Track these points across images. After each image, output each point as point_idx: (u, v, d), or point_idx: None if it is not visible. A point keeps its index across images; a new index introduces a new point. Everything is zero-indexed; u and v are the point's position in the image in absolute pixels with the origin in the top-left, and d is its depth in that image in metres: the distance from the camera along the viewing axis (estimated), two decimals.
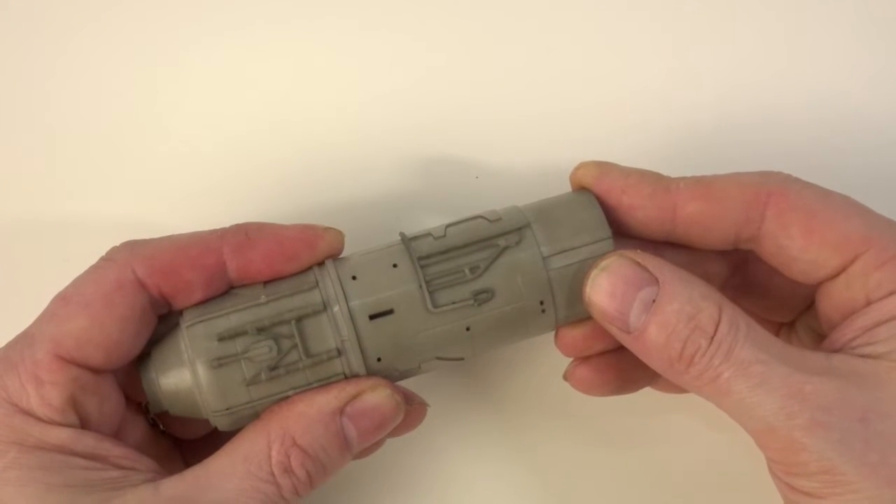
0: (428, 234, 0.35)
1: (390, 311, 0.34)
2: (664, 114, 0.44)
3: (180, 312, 0.34)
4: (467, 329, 0.34)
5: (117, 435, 0.34)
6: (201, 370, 0.33)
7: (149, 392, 0.34)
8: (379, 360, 0.34)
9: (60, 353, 0.32)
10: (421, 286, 0.34)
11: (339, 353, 0.33)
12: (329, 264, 0.35)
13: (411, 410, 0.36)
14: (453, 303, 0.34)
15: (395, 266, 0.34)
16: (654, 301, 0.32)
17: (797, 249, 0.33)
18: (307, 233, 0.35)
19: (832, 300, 0.33)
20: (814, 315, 0.35)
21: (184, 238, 0.35)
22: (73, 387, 0.32)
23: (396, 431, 0.36)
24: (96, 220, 0.44)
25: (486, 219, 0.35)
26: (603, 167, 0.35)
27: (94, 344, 0.32)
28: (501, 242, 0.34)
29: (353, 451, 0.34)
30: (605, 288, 0.33)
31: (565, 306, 0.35)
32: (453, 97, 0.44)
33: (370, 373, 0.34)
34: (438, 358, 0.35)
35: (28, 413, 0.31)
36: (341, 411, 0.33)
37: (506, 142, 0.44)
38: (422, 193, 0.43)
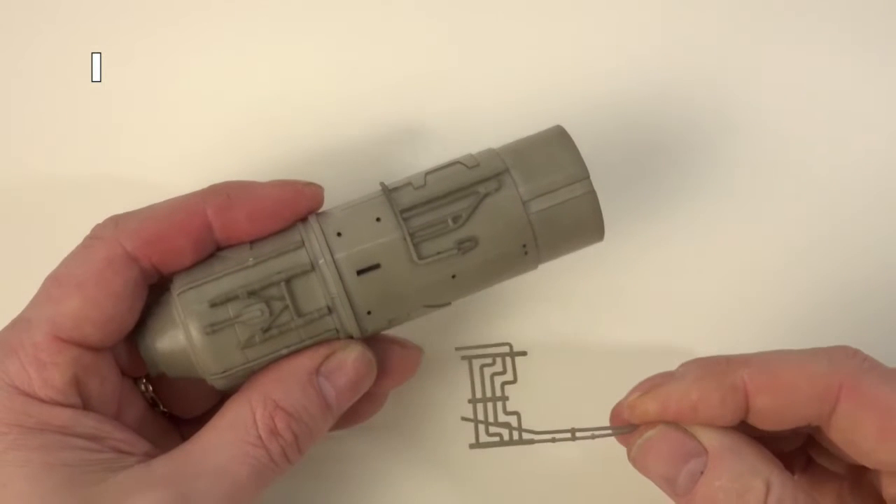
0: (408, 184, 0.35)
1: (377, 266, 0.34)
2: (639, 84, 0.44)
3: (170, 280, 0.35)
4: (453, 277, 0.35)
5: (117, 414, 0.34)
6: (196, 336, 0.33)
7: (146, 358, 0.35)
8: (369, 312, 0.35)
9: (59, 333, 0.32)
10: (405, 239, 0.34)
11: (330, 310, 0.34)
12: (313, 221, 0.35)
13: (406, 355, 0.37)
14: (438, 253, 0.34)
15: (378, 220, 0.34)
16: (701, 473, 0.31)
17: (868, 448, 0.31)
18: (288, 190, 0.35)
19: None
20: None
21: (166, 206, 0.35)
22: (75, 366, 0.32)
23: (397, 379, 0.37)
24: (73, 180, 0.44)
25: (464, 164, 0.35)
26: (660, 396, 0.33)
27: (91, 322, 0.33)
28: (481, 190, 0.35)
29: (333, 411, 0.35)
30: (649, 457, 0.32)
31: (548, 247, 0.36)
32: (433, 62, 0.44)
33: (361, 326, 0.35)
34: (426, 306, 0.35)
35: (30, 395, 0.32)
36: (317, 371, 0.34)
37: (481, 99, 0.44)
38: (400, 137, 0.43)
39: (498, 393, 0.34)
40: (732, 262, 0.43)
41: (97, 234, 0.34)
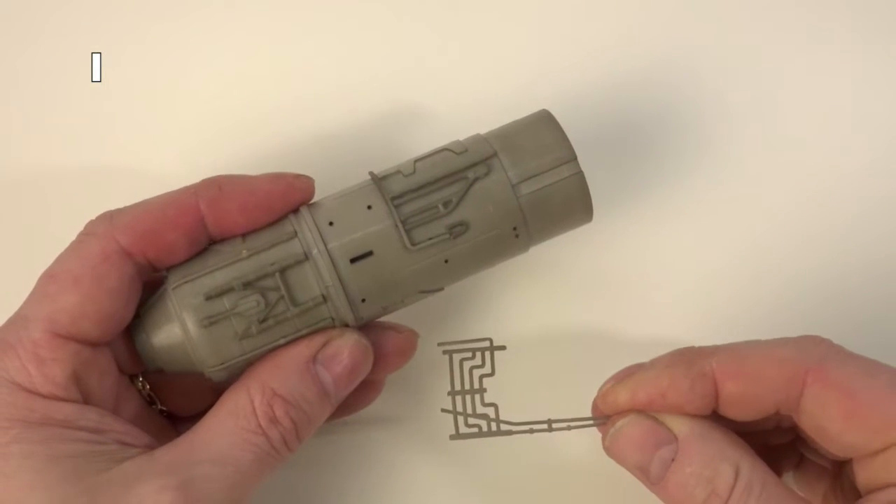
0: (398, 172, 0.36)
1: (370, 254, 0.35)
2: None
3: (165, 274, 0.35)
4: (446, 262, 0.35)
5: (115, 410, 0.35)
6: (193, 329, 0.34)
7: (143, 353, 0.35)
8: (363, 300, 0.35)
9: (57, 330, 0.33)
10: (397, 226, 0.34)
11: (325, 299, 0.34)
12: (304, 212, 0.35)
13: (401, 339, 0.38)
14: (430, 238, 0.35)
15: (369, 208, 0.35)
16: (672, 460, 0.32)
17: (835, 432, 0.32)
18: (280, 182, 0.35)
19: (868, 472, 0.32)
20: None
21: (158, 201, 0.35)
22: (75, 362, 0.33)
23: (393, 363, 0.38)
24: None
25: (452, 151, 0.36)
26: (629, 384, 0.34)
27: (88, 318, 0.33)
28: (471, 175, 0.35)
29: (332, 398, 0.35)
30: (621, 446, 0.33)
31: (538, 229, 0.36)
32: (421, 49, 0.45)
33: (356, 314, 0.35)
34: (420, 291, 0.36)
35: (31, 391, 0.32)
36: (314, 359, 0.34)
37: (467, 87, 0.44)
38: (387, 126, 0.44)
39: (476, 385, 0.34)
40: (717, 252, 0.43)
41: (91, 231, 0.34)
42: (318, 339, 0.35)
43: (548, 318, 0.43)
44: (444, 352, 0.35)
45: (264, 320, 0.34)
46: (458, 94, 0.44)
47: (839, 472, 0.36)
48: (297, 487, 0.41)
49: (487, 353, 0.35)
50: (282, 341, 0.35)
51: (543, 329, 0.43)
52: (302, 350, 0.35)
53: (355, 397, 0.37)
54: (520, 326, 0.42)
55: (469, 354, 0.35)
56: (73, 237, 0.35)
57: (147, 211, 0.35)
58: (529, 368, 0.41)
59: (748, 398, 0.33)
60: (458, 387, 0.35)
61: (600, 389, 0.35)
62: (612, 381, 0.34)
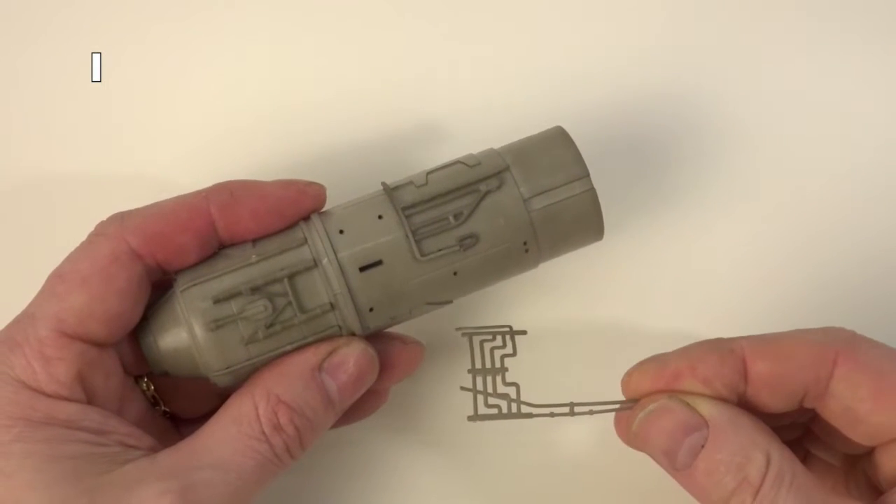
0: (410, 183, 0.36)
1: (379, 263, 0.34)
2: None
3: (174, 276, 0.35)
4: (455, 274, 0.35)
5: (119, 411, 0.34)
6: (199, 332, 0.34)
7: (149, 356, 0.35)
8: (371, 309, 0.35)
9: (64, 329, 0.32)
10: (407, 236, 0.34)
11: (333, 306, 0.34)
12: (315, 219, 0.35)
13: (408, 350, 0.38)
14: (440, 250, 0.35)
15: (380, 217, 0.35)
16: (702, 446, 0.31)
17: (865, 412, 0.32)
18: (291, 189, 0.35)
19: (893, 461, 0.32)
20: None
21: (170, 204, 0.35)
22: (80, 362, 0.32)
23: (398, 374, 0.37)
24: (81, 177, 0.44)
25: (465, 164, 0.36)
26: (658, 358, 0.34)
27: (96, 318, 0.33)
28: (483, 187, 0.35)
29: (336, 407, 0.35)
30: (651, 430, 0.33)
31: (548, 245, 0.36)
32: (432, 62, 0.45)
33: (363, 323, 0.35)
34: (428, 303, 0.36)
35: (36, 390, 0.32)
36: (319, 367, 0.34)
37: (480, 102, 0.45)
38: (400, 138, 0.44)
39: (497, 365, 0.34)
40: (734, 251, 0.44)
41: (101, 231, 0.34)
42: (325, 347, 0.35)
43: (562, 314, 0.43)
44: (463, 334, 0.34)
45: (271, 325, 0.34)
46: (473, 107, 0.44)
47: (851, 467, 0.36)
48: (296, 488, 0.41)
49: (508, 337, 0.34)
50: (288, 347, 0.34)
51: (558, 323, 0.43)
52: (308, 357, 0.34)
53: (359, 406, 0.37)
54: (538, 315, 0.42)
55: (489, 337, 0.34)
56: (72, 236, 0.35)
57: (158, 213, 0.34)
58: (550, 355, 0.40)
59: (778, 379, 0.32)
60: (478, 366, 0.34)
61: (626, 373, 0.34)
62: (637, 364, 0.34)
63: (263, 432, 0.33)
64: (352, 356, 0.35)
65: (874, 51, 0.45)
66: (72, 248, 0.34)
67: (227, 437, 0.33)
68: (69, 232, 0.35)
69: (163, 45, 0.45)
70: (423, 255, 0.34)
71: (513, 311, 0.43)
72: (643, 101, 0.45)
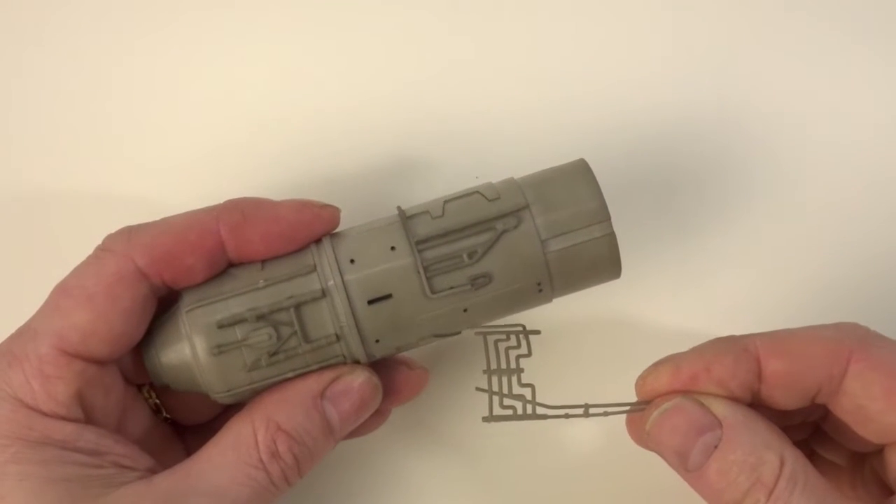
0: (426, 212, 0.35)
1: (388, 297, 0.34)
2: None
3: (180, 293, 0.35)
4: (464, 310, 0.34)
5: (120, 423, 0.34)
6: (202, 356, 0.33)
7: (150, 369, 0.35)
8: (377, 340, 0.34)
9: (65, 347, 0.32)
10: (419, 272, 0.34)
11: (339, 338, 0.34)
12: (326, 243, 0.34)
13: (412, 376, 0.37)
14: (451, 288, 0.34)
15: (392, 249, 0.34)
16: (716, 447, 0.31)
17: (877, 411, 0.32)
18: (305, 213, 0.35)
19: None
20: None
21: (179, 221, 0.34)
22: (80, 381, 0.32)
23: (401, 398, 0.37)
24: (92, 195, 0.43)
25: (483, 196, 0.35)
26: (673, 359, 0.33)
27: (99, 337, 0.32)
28: (500, 226, 0.34)
29: (336, 435, 0.35)
30: (664, 430, 0.32)
31: (562, 285, 0.35)
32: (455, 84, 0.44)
33: (368, 352, 0.35)
34: (435, 335, 0.35)
35: (33, 408, 0.32)
36: (322, 395, 0.34)
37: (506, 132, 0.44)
38: (419, 160, 0.43)
39: (513, 365, 0.33)
40: (754, 256, 0.43)
41: (109, 247, 0.34)
42: (328, 375, 0.34)
43: (577, 315, 0.42)
44: (477, 333, 0.34)
45: (275, 354, 0.33)
46: (490, 130, 0.43)
47: (857, 467, 0.36)
48: (306, 488, 0.41)
49: (522, 337, 0.34)
50: (290, 375, 0.34)
51: (573, 323, 0.42)
52: (311, 385, 0.34)
53: (359, 424, 0.37)
54: (549, 315, 0.41)
55: (503, 336, 0.34)
56: (70, 243, 0.34)
57: (167, 232, 0.34)
58: (562, 354, 0.40)
59: (792, 377, 0.32)
60: (493, 366, 0.33)
61: (641, 375, 0.34)
62: (652, 366, 0.34)
63: (261, 460, 0.33)
64: (355, 384, 0.34)
65: (861, 51, 0.45)
66: (72, 257, 0.34)
67: (225, 462, 0.33)
68: (66, 236, 0.35)
69: (164, 47, 0.44)
70: (433, 292, 0.34)
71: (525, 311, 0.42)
72: (658, 126, 0.44)
